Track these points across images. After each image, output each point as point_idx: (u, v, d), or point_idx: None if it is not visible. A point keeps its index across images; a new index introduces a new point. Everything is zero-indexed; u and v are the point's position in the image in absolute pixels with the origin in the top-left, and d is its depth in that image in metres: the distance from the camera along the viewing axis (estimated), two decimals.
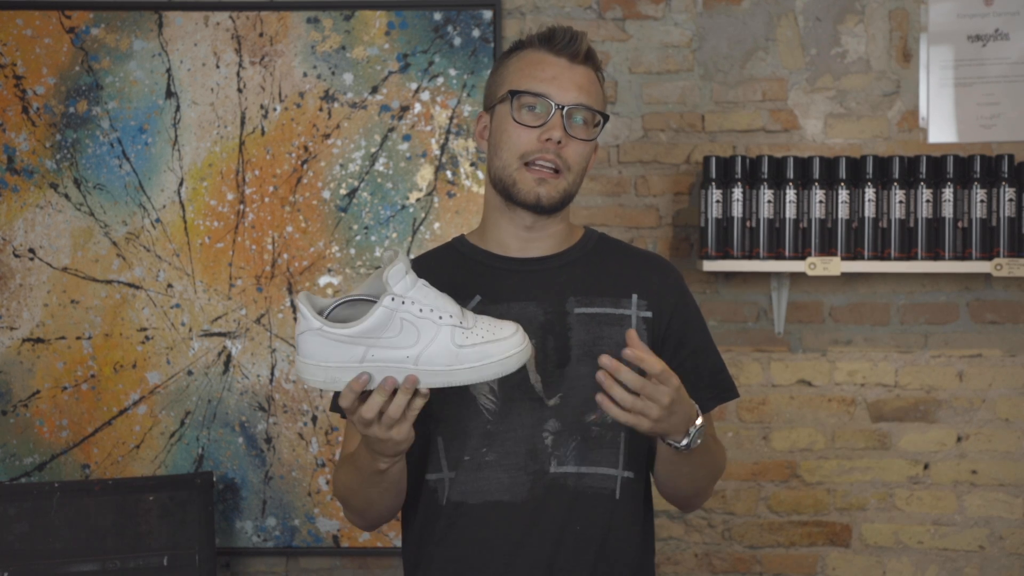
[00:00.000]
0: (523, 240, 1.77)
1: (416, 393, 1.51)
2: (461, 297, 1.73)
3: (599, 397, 1.53)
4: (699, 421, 1.62)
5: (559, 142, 1.69)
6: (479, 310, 1.72)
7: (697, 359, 1.80)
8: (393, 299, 1.49)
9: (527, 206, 1.72)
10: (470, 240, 1.83)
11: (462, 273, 1.78)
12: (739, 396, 1.87)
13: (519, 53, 1.76)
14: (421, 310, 1.50)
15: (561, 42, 1.72)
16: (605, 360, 1.51)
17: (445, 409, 1.71)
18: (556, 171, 1.71)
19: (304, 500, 2.99)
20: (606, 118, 1.76)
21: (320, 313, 1.53)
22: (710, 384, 1.81)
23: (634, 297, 1.76)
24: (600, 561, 1.71)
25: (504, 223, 1.77)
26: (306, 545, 2.99)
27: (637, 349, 1.51)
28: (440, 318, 1.50)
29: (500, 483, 1.68)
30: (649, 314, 1.76)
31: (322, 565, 3.02)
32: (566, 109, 1.70)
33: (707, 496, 1.85)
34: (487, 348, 1.51)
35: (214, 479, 2.93)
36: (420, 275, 1.80)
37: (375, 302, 1.51)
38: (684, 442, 1.61)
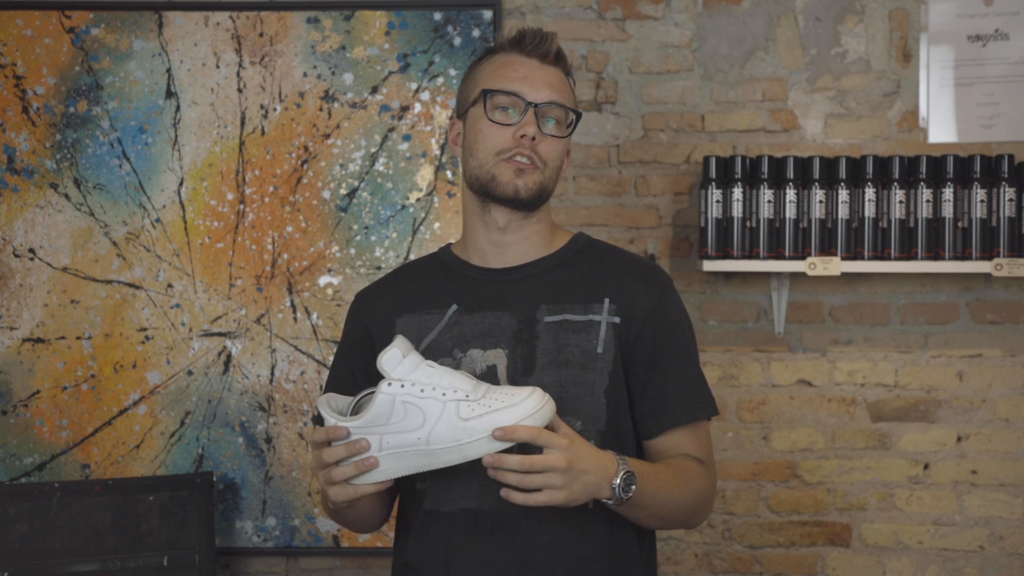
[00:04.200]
0: (499, 245, 1.77)
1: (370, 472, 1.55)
2: (440, 306, 1.76)
3: (503, 492, 1.53)
4: (620, 475, 1.57)
5: (533, 138, 1.70)
6: (456, 319, 1.73)
7: (671, 371, 1.74)
8: (391, 384, 1.51)
9: (505, 199, 1.72)
10: (453, 250, 1.84)
11: (442, 283, 1.79)
12: (717, 413, 1.80)
13: (490, 58, 1.78)
14: (423, 390, 1.51)
15: (531, 43, 1.75)
16: (486, 460, 1.51)
17: None
18: (533, 165, 1.72)
19: (304, 500, 2.99)
20: (578, 116, 1.77)
21: (341, 411, 1.57)
22: (684, 398, 1.75)
23: (606, 302, 1.74)
24: (575, 570, 1.69)
25: (480, 229, 1.78)
26: (306, 545, 2.99)
27: (505, 430, 1.50)
28: (444, 395, 1.51)
29: (471, 491, 1.68)
30: (617, 320, 1.73)
31: (322, 565, 3.02)
32: (539, 107, 1.71)
33: (697, 519, 1.78)
34: (494, 417, 1.50)
35: (214, 479, 2.93)
36: (402, 284, 1.82)
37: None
38: (611, 501, 1.59)
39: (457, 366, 1.70)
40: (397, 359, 1.51)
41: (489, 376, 1.69)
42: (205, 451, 2.99)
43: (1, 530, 2.72)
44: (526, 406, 1.51)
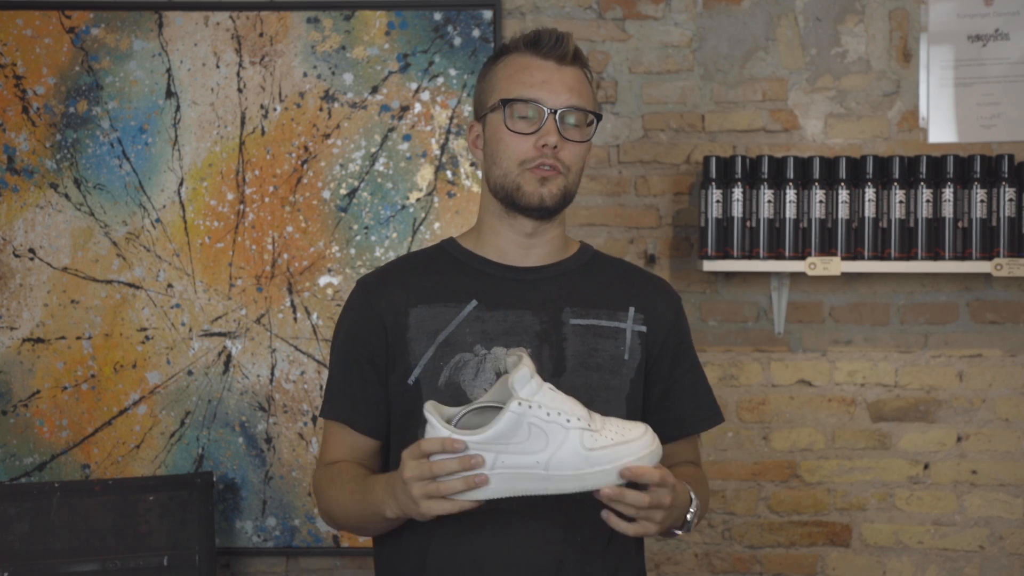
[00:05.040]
0: (523, 247, 1.76)
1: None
2: (458, 300, 1.73)
3: (604, 514, 1.54)
4: (694, 506, 1.66)
5: (555, 147, 1.69)
6: (477, 315, 1.72)
7: (689, 381, 1.83)
8: (520, 404, 1.47)
9: (531, 208, 1.71)
10: (463, 244, 1.81)
11: (458, 277, 1.76)
12: (724, 421, 1.90)
13: (506, 59, 1.75)
14: (548, 414, 1.48)
15: (547, 45, 1.72)
16: (607, 491, 1.51)
17: None
18: (556, 171, 1.71)
19: (304, 500, 2.99)
20: (599, 117, 1.76)
21: (448, 421, 1.53)
22: (701, 407, 1.84)
23: (631, 310, 1.76)
24: (604, 568, 1.71)
25: (503, 230, 1.76)
26: (306, 545, 2.99)
27: (634, 472, 1.51)
28: (568, 421, 1.49)
29: None
30: (644, 328, 1.76)
31: (322, 565, 3.02)
32: (559, 112, 1.69)
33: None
34: (618, 450, 1.50)
35: (214, 479, 2.93)
36: (410, 276, 1.79)
37: (500, 409, 1.51)
38: (681, 532, 1.67)
39: (481, 363, 1.69)
40: (526, 378, 1.48)
41: None
42: (205, 451, 2.99)
43: (1, 530, 2.72)
44: (644, 443, 1.51)
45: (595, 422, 1.51)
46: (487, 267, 1.77)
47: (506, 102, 1.70)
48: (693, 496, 1.66)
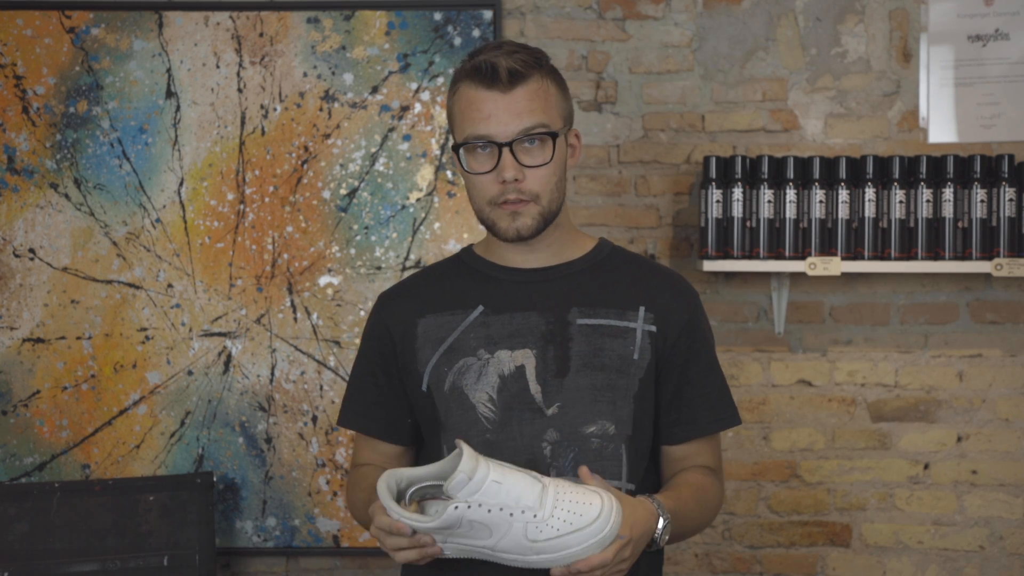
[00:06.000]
0: (523, 252, 1.78)
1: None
2: (465, 307, 1.75)
3: None
4: (661, 524, 1.62)
5: (516, 179, 1.68)
6: (482, 320, 1.73)
7: (702, 382, 1.79)
8: (457, 507, 1.48)
9: (509, 240, 1.73)
10: (476, 251, 1.84)
11: (466, 283, 1.79)
12: (741, 422, 1.86)
13: (457, 90, 1.72)
14: (490, 511, 1.48)
15: (487, 76, 1.67)
16: (557, 572, 1.51)
17: (446, 417, 1.74)
18: (524, 202, 1.70)
19: (304, 500, 2.99)
20: (553, 135, 1.69)
21: (403, 492, 1.56)
22: (715, 407, 1.80)
23: (641, 310, 1.75)
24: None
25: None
26: (306, 545, 2.99)
27: (580, 567, 1.50)
28: (511, 515, 1.48)
29: None
30: (654, 328, 1.75)
31: (322, 565, 3.02)
32: (512, 145, 1.67)
33: (709, 525, 1.87)
34: (565, 540, 1.49)
35: (214, 479, 2.93)
36: (425, 285, 1.82)
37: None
38: (652, 548, 1.65)
39: (484, 367, 1.71)
40: (463, 483, 1.48)
41: (518, 376, 1.70)
42: (205, 451, 2.99)
43: (1, 530, 2.72)
44: (594, 529, 1.49)
45: (544, 508, 1.49)
46: (496, 272, 1.79)
47: (459, 147, 1.71)
48: (661, 516, 1.63)
